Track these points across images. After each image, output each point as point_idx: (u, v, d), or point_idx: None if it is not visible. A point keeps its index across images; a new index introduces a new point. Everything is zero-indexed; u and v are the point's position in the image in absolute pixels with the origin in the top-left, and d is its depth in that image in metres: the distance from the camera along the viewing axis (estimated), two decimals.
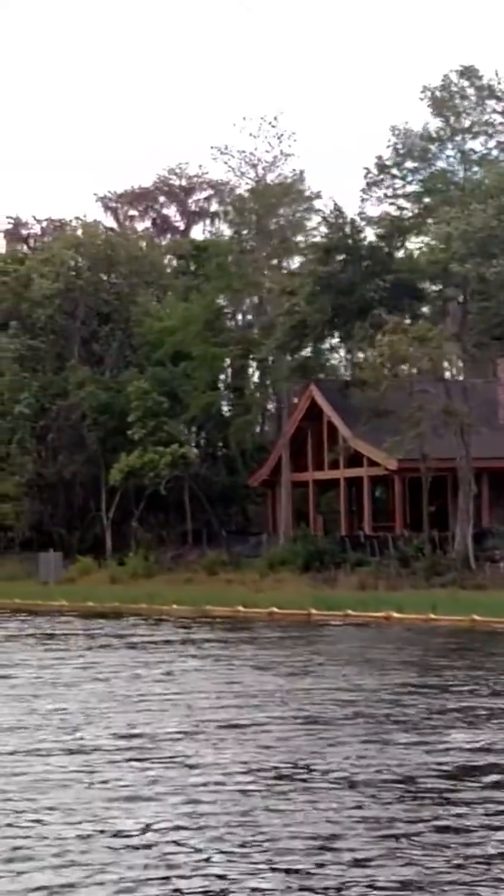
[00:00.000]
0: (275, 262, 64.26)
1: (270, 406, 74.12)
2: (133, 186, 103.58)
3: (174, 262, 79.39)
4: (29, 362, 74.75)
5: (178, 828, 13.11)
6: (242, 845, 12.35)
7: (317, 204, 64.27)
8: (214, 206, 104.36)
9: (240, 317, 71.64)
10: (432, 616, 39.24)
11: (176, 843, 12.48)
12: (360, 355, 60.70)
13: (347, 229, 53.57)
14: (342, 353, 60.88)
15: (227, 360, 67.02)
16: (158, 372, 68.56)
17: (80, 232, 77.96)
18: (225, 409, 73.50)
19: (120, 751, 17.91)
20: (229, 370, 69.35)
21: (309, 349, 59.21)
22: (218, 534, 69.22)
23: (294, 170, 63.88)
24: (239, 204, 67.05)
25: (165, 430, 63.49)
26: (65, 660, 30.97)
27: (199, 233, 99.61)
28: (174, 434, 63.81)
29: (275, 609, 44.42)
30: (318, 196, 66.26)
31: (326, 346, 61.88)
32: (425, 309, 56.92)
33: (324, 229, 56.95)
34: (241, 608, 45.70)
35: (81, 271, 74.57)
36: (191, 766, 16.60)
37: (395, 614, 40.58)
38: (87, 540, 74.08)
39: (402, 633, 37.56)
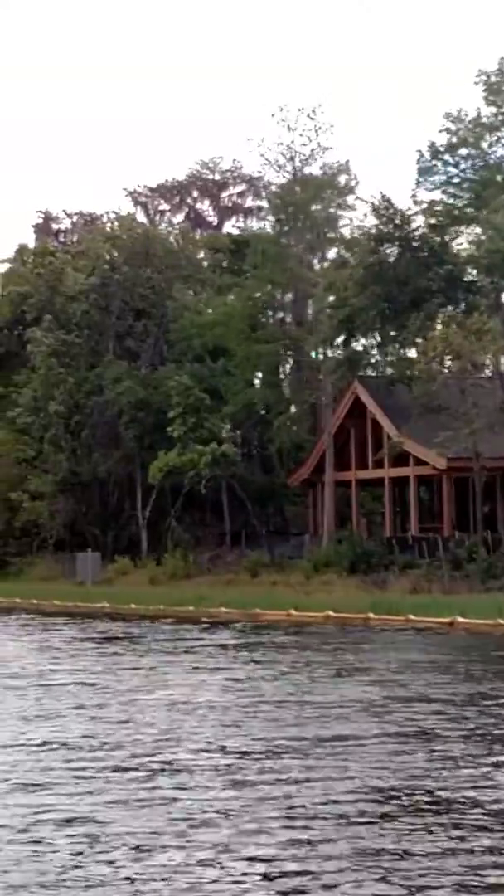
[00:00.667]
0: (319, 255, 62.27)
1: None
2: (165, 180, 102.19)
3: (210, 257, 77.25)
4: (63, 358, 72.99)
5: (296, 864, 11.23)
6: None
7: (362, 194, 62.41)
8: (249, 202, 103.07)
9: (280, 312, 69.61)
10: (501, 622, 37.28)
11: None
12: (408, 350, 58.62)
13: (398, 219, 51.57)
14: (389, 348, 58.63)
15: (270, 356, 64.96)
16: (197, 368, 66.70)
17: (115, 225, 76.10)
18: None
19: (214, 769, 16.07)
20: (271, 366, 67.29)
21: (360, 342, 57.21)
22: (258, 534, 67.38)
23: (338, 161, 61.89)
24: (283, 196, 65.02)
25: (206, 427, 61.53)
26: (123, 665, 29.10)
27: (232, 228, 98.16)
28: (215, 431, 61.88)
29: (330, 612, 42.49)
30: (353, 187, 64.39)
31: (372, 341, 59.78)
32: (479, 301, 54.85)
33: (372, 219, 54.98)
34: (293, 611, 43.79)
35: (117, 265, 72.73)
36: (296, 785, 14.75)
37: (461, 619, 38.63)
38: (122, 540, 72.33)
39: (470, 638, 35.64)
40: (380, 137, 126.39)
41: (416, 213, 52.70)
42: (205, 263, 76.84)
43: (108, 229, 75.97)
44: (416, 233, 52.15)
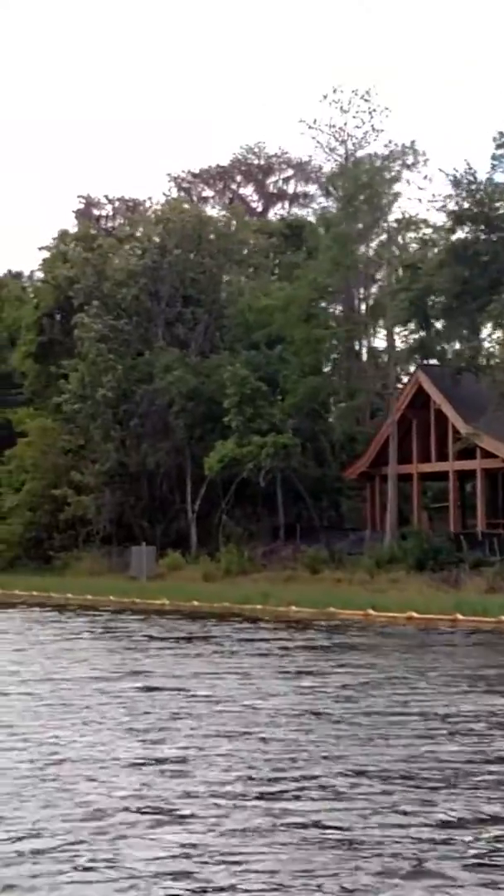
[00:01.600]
0: (384, 236, 59.62)
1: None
2: (208, 166, 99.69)
3: (263, 242, 74.49)
4: (111, 344, 70.50)
5: None
6: None
7: (431, 173, 59.77)
8: (294, 188, 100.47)
9: (343, 297, 66.90)
10: None
11: None
12: (480, 337, 55.99)
13: (480, 194, 48.83)
14: (461, 334, 55.96)
15: (331, 343, 62.33)
16: (252, 356, 64.04)
17: (166, 208, 73.53)
18: None
19: (373, 795, 13.55)
20: (332, 353, 64.64)
21: (439, 324, 54.47)
22: (313, 529, 64.79)
23: (411, 142, 59.15)
24: (345, 175, 62.37)
25: (265, 417, 58.90)
26: (214, 671, 26.52)
27: (276, 215, 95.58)
28: (275, 422, 59.23)
29: (413, 613, 39.86)
30: (419, 165, 61.71)
31: (441, 326, 57.10)
32: None
33: (445, 198, 52.24)
34: (371, 611, 41.17)
35: (168, 249, 70.16)
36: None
37: None
38: (171, 534, 69.80)
39: None
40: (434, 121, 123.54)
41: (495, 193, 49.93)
42: (255, 250, 74.05)
43: (157, 212, 73.14)
44: (500, 212, 49.35)
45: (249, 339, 65.57)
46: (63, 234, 79.32)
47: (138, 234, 73.47)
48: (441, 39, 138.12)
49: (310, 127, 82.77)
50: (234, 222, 72.49)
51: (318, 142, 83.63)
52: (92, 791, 13.99)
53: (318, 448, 69.68)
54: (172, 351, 68.18)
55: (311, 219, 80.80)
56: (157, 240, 70.40)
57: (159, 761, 15.81)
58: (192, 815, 12.78)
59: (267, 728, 18.32)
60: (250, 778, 14.76)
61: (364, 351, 66.83)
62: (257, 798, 13.64)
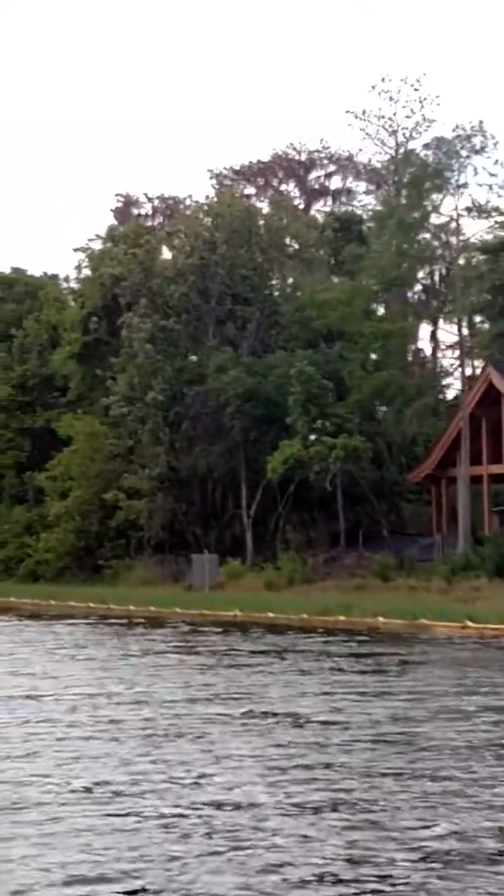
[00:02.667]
0: (453, 225, 56.63)
1: None
2: (248, 162, 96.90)
3: (315, 237, 71.55)
4: (161, 344, 67.68)
5: None
6: None
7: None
8: (334, 183, 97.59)
9: (410, 289, 63.97)
10: None
11: None
12: None
13: None
14: None
15: (398, 338, 59.37)
16: (310, 354, 61.02)
17: (212, 202, 70.66)
18: None
19: None
20: (400, 349, 61.66)
21: None
22: (377, 535, 61.83)
23: (479, 122, 56.14)
24: (405, 162, 59.50)
25: (330, 417, 55.96)
26: (353, 694, 23.55)
27: (318, 211, 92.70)
28: (340, 423, 56.26)
29: None
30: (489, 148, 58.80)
31: None
32: None
33: None
34: (469, 622, 38.16)
35: (218, 244, 67.29)
36: None
37: None
38: (224, 541, 66.90)
39: None
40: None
41: None
42: (307, 243, 71.07)
43: (205, 207, 70.20)
44: None
45: (307, 336, 62.65)
46: (110, 232, 76.52)
47: (183, 231, 70.55)
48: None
49: (358, 118, 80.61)
50: (284, 216, 69.52)
51: (366, 133, 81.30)
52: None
53: (376, 450, 66.71)
54: (226, 350, 65.30)
55: (361, 213, 78.25)
56: (206, 235, 67.44)
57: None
58: None
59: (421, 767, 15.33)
60: None
61: (427, 346, 63.88)
62: None
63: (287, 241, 68.56)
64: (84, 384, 74.70)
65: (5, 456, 79.44)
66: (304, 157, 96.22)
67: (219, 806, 13.25)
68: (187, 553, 66.65)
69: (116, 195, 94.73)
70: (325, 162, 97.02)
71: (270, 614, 43.99)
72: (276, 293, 67.31)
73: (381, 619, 40.95)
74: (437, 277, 61.94)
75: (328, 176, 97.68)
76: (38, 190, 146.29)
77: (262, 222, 68.81)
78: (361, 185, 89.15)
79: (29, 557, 72.11)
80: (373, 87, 77.86)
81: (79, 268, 77.80)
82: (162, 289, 68.44)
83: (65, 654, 32.29)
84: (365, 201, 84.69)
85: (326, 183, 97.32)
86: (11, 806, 13.29)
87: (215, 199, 70.58)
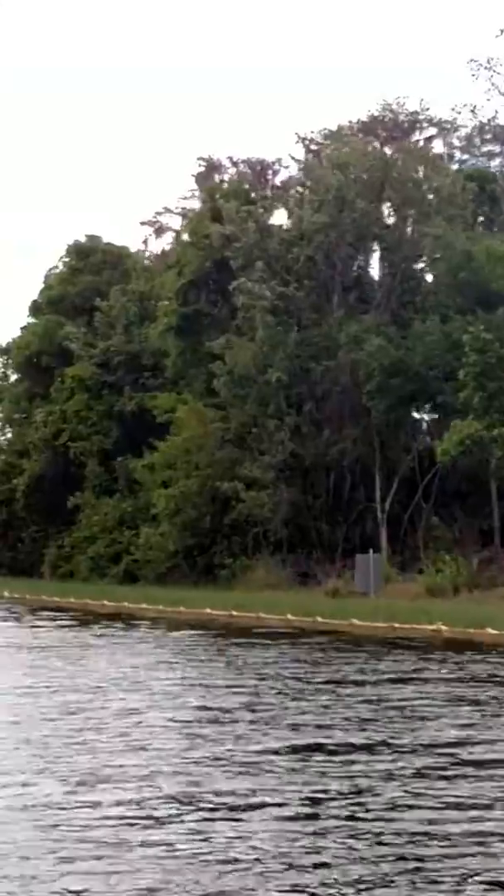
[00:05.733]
0: None
1: None
2: (339, 126, 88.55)
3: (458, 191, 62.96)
4: (281, 314, 59.32)
5: None
6: None
7: None
8: (438, 147, 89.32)
9: None
10: None
11: None
12: None
13: None
14: None
15: None
16: (461, 322, 52.47)
17: (341, 152, 62.18)
18: None
19: None
20: None
21: None
22: None
23: None
24: None
25: None
26: None
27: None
28: None
29: None
30: None
31: None
32: None
33: None
34: None
35: (349, 200, 58.88)
36: None
37: None
38: (353, 538, 58.50)
39: None
40: None
41: None
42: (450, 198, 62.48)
43: (340, 154, 61.65)
44: None
45: (460, 301, 54.13)
46: (210, 189, 68.12)
47: (308, 185, 62.28)
48: None
49: (484, 67, 72.31)
50: (422, 168, 61.12)
51: (493, 83, 73.09)
52: None
53: None
54: (362, 319, 56.94)
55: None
56: (336, 189, 58.99)
57: None
58: None
59: None
60: None
61: None
62: None
63: (429, 196, 59.94)
64: (182, 361, 66.27)
65: (89, 442, 71.07)
66: (404, 118, 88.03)
67: None
68: (308, 552, 58.50)
69: (199, 159, 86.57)
70: (426, 125, 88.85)
71: (492, 630, 35.41)
72: (420, 253, 58.75)
73: None
74: None
75: (428, 140, 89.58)
76: (99, 162, 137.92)
77: (396, 174, 60.25)
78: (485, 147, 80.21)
79: (127, 555, 63.63)
80: (501, 32, 70.16)
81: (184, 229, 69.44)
82: (281, 252, 60.06)
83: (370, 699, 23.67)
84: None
85: (431, 146, 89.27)
86: None
87: (346, 148, 62.02)
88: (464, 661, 29.54)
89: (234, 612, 45.37)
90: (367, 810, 13.65)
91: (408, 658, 30.51)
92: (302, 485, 59.21)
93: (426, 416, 59.12)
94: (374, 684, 25.09)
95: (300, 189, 62.70)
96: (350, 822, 13.09)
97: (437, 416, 55.80)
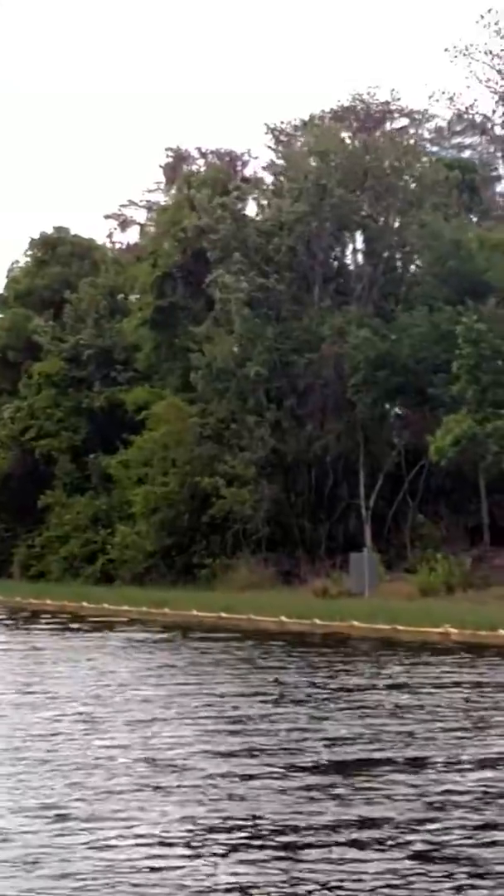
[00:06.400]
0: None
1: None
2: (309, 116, 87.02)
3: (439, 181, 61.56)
4: (260, 307, 57.73)
5: None
6: None
7: None
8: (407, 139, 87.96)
9: None
10: None
11: None
12: None
13: None
14: None
15: None
16: (449, 313, 51.03)
17: (318, 139, 60.69)
18: None
19: None
20: None
21: None
22: None
23: None
24: None
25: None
26: None
27: None
28: None
29: None
30: None
31: None
32: None
33: None
34: None
35: (329, 188, 57.39)
36: None
37: None
38: (337, 536, 57.08)
39: None
40: None
41: None
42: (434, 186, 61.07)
43: (319, 140, 60.12)
44: None
45: (446, 292, 52.68)
46: (187, 177, 66.41)
47: (284, 175, 60.79)
48: None
49: (462, 54, 71.12)
50: (407, 155, 59.70)
51: (471, 71, 71.97)
52: None
53: None
54: (346, 310, 55.46)
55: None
56: (315, 177, 57.52)
57: None
58: None
59: None
60: None
61: None
62: None
63: (411, 184, 58.52)
64: (156, 355, 64.44)
65: (58, 439, 69.00)
66: (377, 109, 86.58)
67: None
68: (290, 550, 57.00)
69: (166, 149, 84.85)
70: (397, 116, 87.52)
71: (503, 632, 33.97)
72: (403, 243, 57.36)
73: None
74: None
75: (400, 130, 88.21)
76: (58, 156, 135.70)
77: (377, 162, 58.78)
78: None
79: (102, 555, 61.74)
80: (481, 17, 69.37)
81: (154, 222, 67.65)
82: (260, 242, 58.44)
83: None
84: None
85: (398, 137, 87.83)
86: None
87: (322, 136, 60.53)
88: (495, 664, 28.07)
89: (223, 614, 43.72)
90: None
91: (434, 663, 28.92)
92: (283, 481, 57.68)
93: (409, 412, 57.71)
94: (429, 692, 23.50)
95: (279, 178, 60.94)
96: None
97: (423, 410, 54.30)
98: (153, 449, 59.38)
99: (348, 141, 60.77)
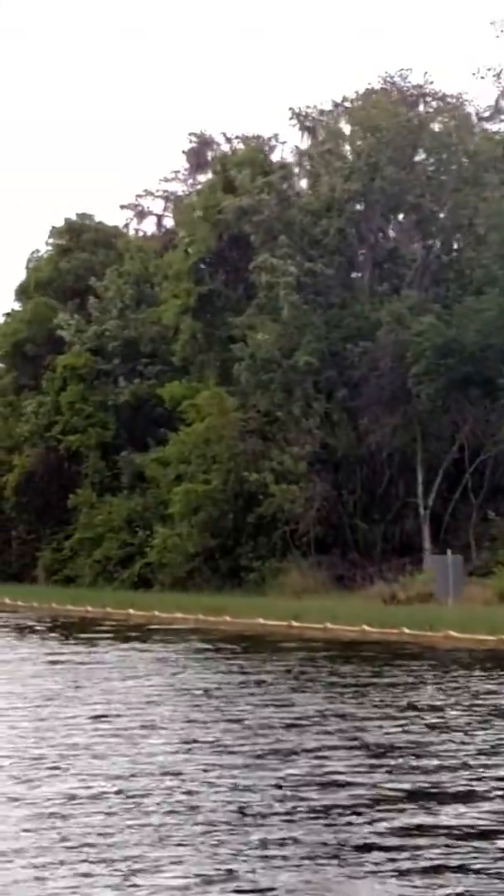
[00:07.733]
0: None
1: None
2: (335, 101, 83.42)
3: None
4: (307, 292, 54.25)
5: None
6: None
7: None
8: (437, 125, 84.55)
9: None
10: None
11: None
12: None
13: None
14: None
15: None
16: None
17: (368, 112, 57.12)
18: None
19: None
20: None
21: None
22: None
23: None
24: None
25: None
26: None
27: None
28: None
29: None
30: None
31: None
32: None
33: None
34: None
35: (380, 166, 53.98)
36: None
37: None
38: (392, 536, 53.62)
39: None
40: None
41: None
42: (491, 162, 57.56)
43: (367, 114, 56.56)
44: None
45: None
46: (221, 159, 62.84)
47: (332, 151, 57.29)
48: None
49: None
50: (460, 130, 56.31)
51: None
52: None
53: None
54: (407, 295, 51.97)
55: None
56: (367, 155, 54.08)
57: None
58: None
59: None
60: None
61: None
62: None
63: (464, 161, 55.11)
64: (192, 346, 60.77)
65: (86, 435, 65.26)
66: (411, 92, 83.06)
67: None
68: (343, 552, 53.53)
69: (190, 134, 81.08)
70: (429, 99, 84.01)
71: None
72: (460, 223, 53.96)
73: None
74: None
75: (431, 114, 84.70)
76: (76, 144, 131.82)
77: (428, 138, 55.42)
78: None
79: (140, 558, 58.04)
80: None
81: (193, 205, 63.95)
82: (307, 224, 54.97)
83: None
84: None
85: (429, 120, 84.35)
86: None
87: (372, 109, 56.96)
88: None
89: (294, 623, 40.12)
90: None
91: None
92: (333, 479, 54.14)
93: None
94: None
95: (324, 155, 57.32)
96: None
97: (485, 401, 50.82)
98: (194, 444, 55.72)
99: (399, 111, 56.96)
